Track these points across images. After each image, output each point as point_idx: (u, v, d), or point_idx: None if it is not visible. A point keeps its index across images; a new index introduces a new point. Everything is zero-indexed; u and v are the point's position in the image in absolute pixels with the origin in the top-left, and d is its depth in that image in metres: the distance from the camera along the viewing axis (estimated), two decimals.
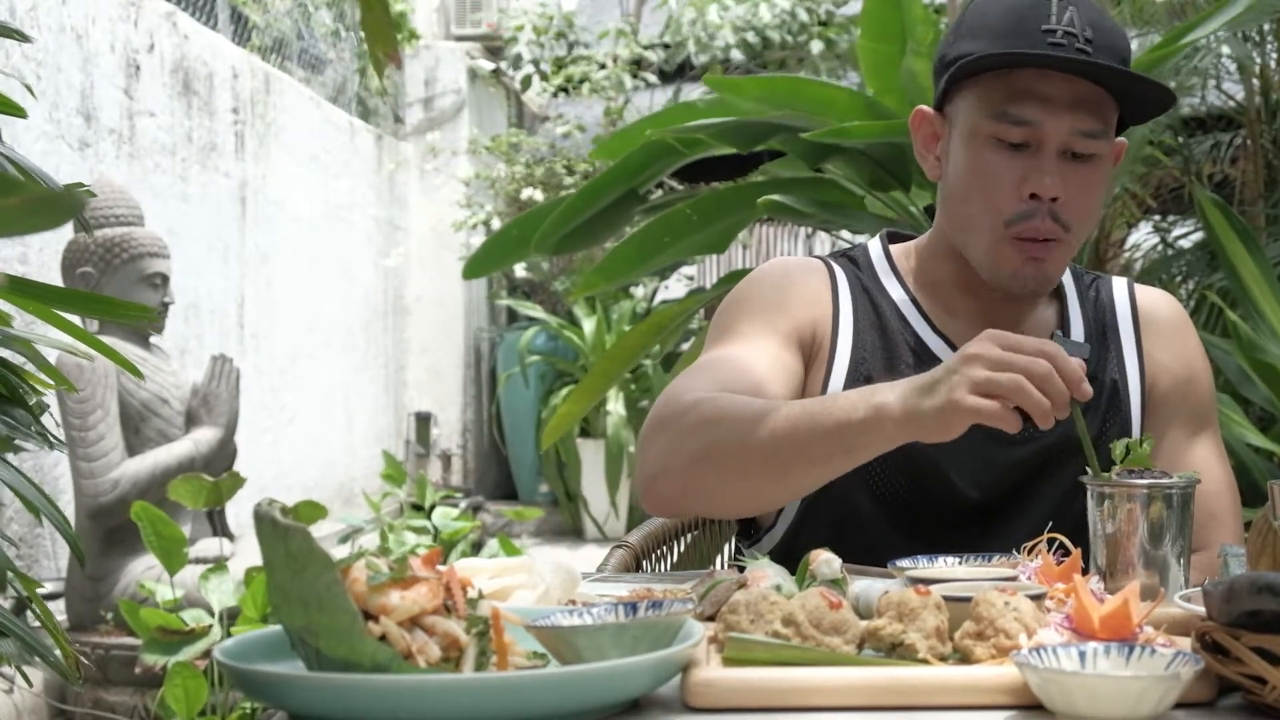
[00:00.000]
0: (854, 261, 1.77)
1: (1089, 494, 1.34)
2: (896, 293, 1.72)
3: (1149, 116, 1.69)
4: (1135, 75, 1.58)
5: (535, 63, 8.57)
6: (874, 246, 1.79)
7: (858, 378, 1.64)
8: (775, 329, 1.66)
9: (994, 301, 1.70)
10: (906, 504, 1.65)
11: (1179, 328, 1.75)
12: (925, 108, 1.71)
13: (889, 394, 1.38)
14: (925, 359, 1.66)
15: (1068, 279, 1.77)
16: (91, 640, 3.67)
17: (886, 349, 1.68)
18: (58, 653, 1.78)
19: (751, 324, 1.67)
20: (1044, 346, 1.31)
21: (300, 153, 6.44)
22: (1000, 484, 1.65)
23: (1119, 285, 1.77)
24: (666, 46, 8.56)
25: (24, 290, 1.53)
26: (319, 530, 4.62)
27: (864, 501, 1.66)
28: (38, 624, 1.78)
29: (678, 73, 8.68)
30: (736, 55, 8.23)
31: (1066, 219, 1.59)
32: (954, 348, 1.66)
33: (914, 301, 1.72)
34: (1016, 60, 1.57)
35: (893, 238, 1.81)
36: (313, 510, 4.03)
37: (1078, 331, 1.71)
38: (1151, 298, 1.77)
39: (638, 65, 8.51)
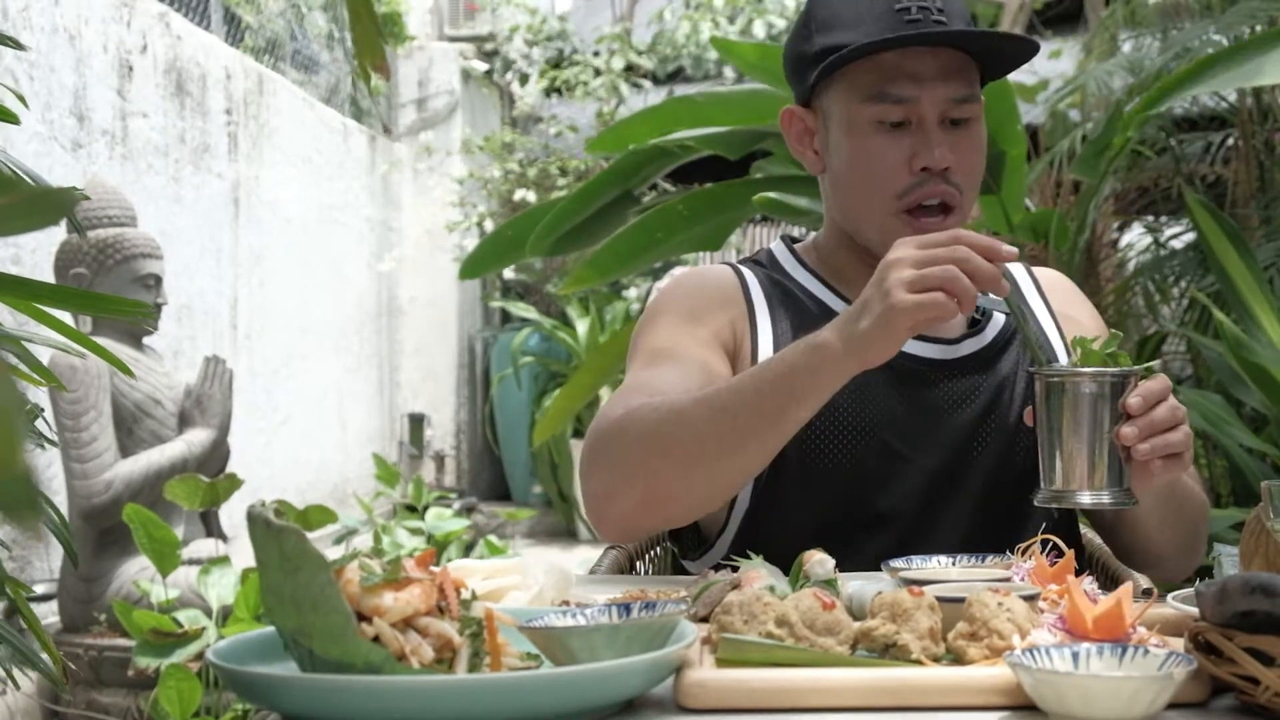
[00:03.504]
0: (759, 263, 1.81)
1: (1034, 386, 1.38)
2: (809, 281, 1.76)
3: (1009, 71, 1.74)
4: (1005, 35, 1.66)
5: (526, 59, 8.57)
6: (776, 247, 1.84)
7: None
8: (696, 339, 1.67)
9: None
10: (846, 511, 1.67)
11: (1075, 292, 1.87)
12: (793, 106, 1.75)
13: (825, 334, 1.42)
14: None
15: None
16: (84, 642, 3.66)
17: (810, 327, 1.67)
18: (46, 657, 1.77)
19: (672, 339, 1.68)
20: (956, 234, 1.37)
21: (294, 154, 6.43)
22: (944, 453, 1.67)
23: (1015, 266, 1.85)
24: (662, 59, 8.57)
25: (17, 287, 1.53)
26: (312, 531, 4.62)
27: (807, 507, 1.66)
28: (27, 627, 1.77)
29: (670, 76, 8.69)
30: (730, 73, 8.26)
31: (959, 182, 1.64)
32: None
33: (827, 285, 1.76)
34: (896, 44, 1.60)
35: (790, 240, 1.86)
36: (322, 515, 4.04)
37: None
38: (1047, 272, 1.88)
39: (630, 70, 8.52)
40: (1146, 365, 1.39)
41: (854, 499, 1.66)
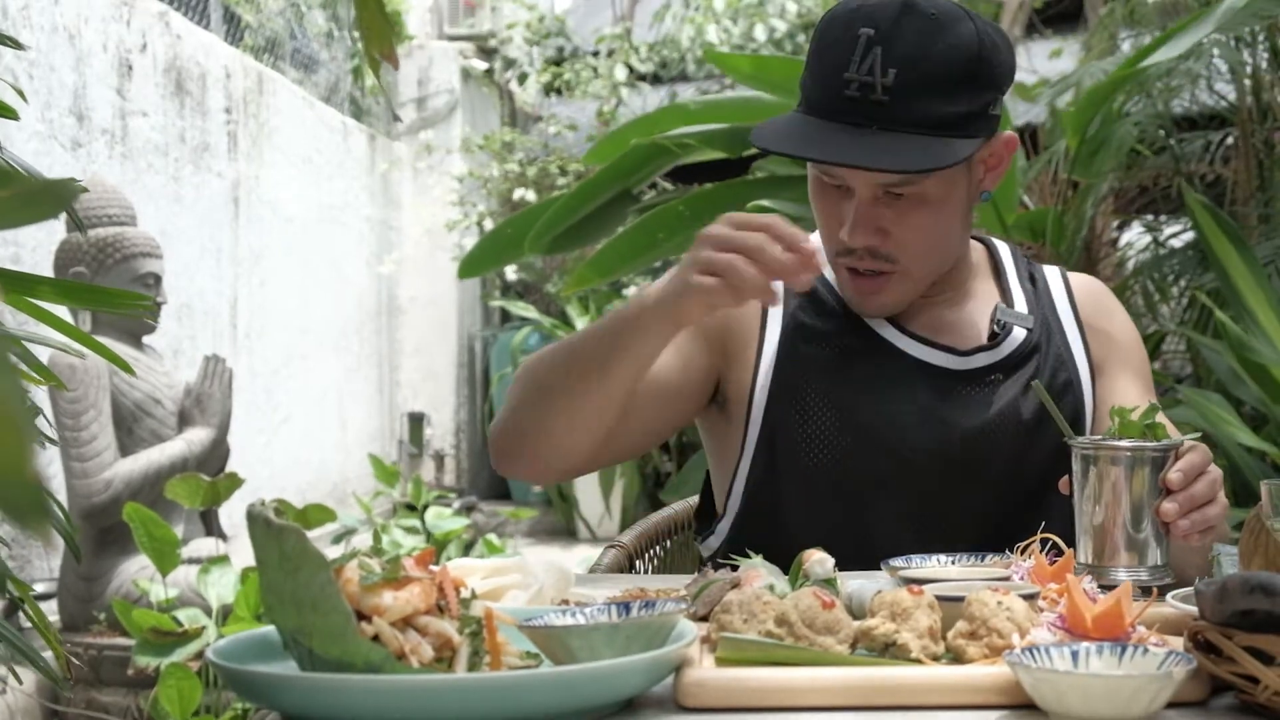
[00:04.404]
0: None
1: (1072, 457, 1.36)
2: (829, 271, 1.74)
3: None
4: (889, 170, 1.55)
5: (527, 58, 8.58)
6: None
7: (785, 355, 1.67)
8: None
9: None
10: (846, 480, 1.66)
11: (1109, 301, 1.82)
12: None
13: (653, 289, 1.47)
14: (867, 336, 1.68)
15: (1007, 260, 1.80)
16: (84, 640, 3.66)
17: (825, 325, 1.69)
18: (48, 655, 1.77)
19: None
20: (766, 221, 1.36)
21: (293, 153, 6.43)
22: (948, 462, 1.66)
23: (1052, 271, 1.82)
24: (663, 63, 8.57)
25: (17, 282, 1.52)
26: (311, 530, 4.63)
27: (804, 506, 1.66)
28: (29, 625, 1.77)
29: (671, 77, 8.70)
30: None
31: (890, 253, 1.61)
32: (895, 324, 1.69)
33: None
34: (786, 152, 1.63)
35: None
36: (321, 514, 4.04)
37: (1020, 305, 1.74)
38: (1081, 279, 1.84)
39: (630, 72, 8.52)
40: (1186, 437, 1.38)
41: (853, 498, 1.65)
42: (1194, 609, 1.10)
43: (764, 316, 1.71)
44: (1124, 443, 1.34)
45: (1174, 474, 1.33)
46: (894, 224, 1.60)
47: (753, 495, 1.69)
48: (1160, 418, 1.38)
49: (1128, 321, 1.81)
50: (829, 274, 1.74)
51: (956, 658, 1.09)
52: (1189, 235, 4.29)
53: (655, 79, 8.69)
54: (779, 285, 1.69)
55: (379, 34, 1.33)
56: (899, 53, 1.53)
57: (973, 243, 1.79)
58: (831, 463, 1.65)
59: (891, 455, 1.64)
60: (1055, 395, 1.63)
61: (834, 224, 1.62)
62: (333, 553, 1.17)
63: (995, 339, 1.69)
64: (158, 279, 3.95)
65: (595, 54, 8.68)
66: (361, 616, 0.98)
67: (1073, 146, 3.64)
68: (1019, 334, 1.70)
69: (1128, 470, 1.33)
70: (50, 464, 3.96)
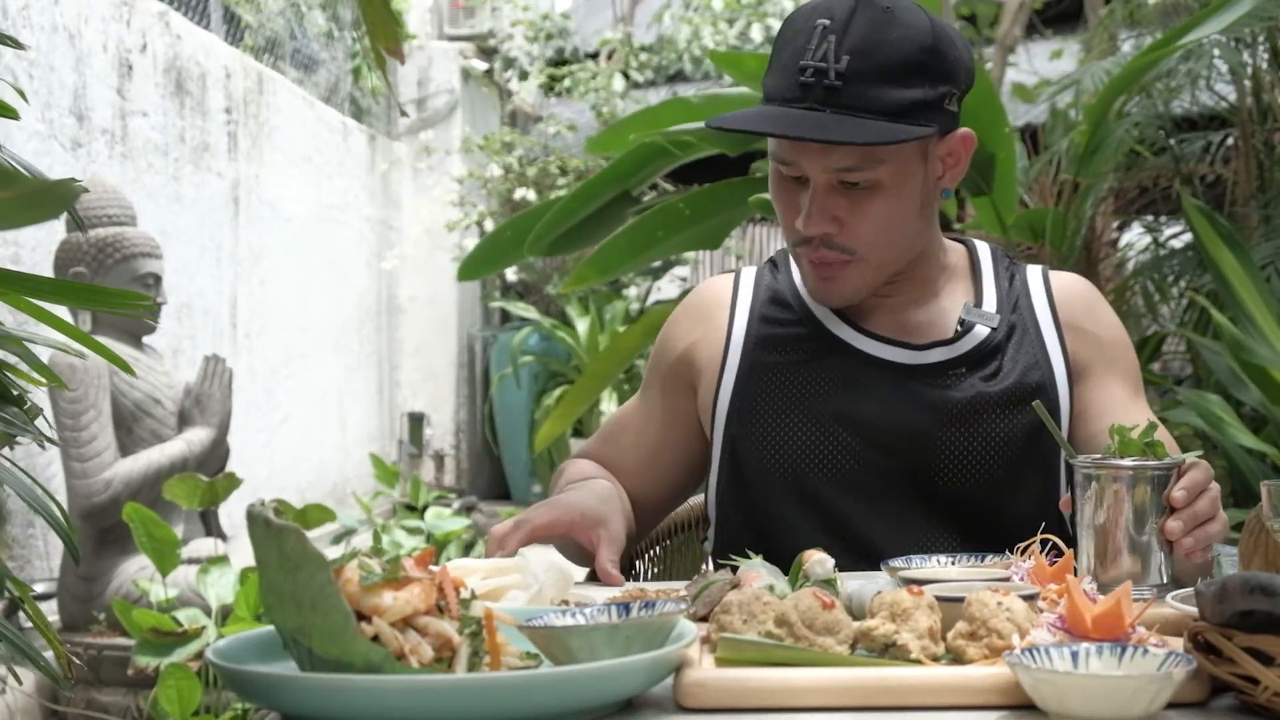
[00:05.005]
0: (775, 265, 1.83)
1: (1074, 475, 1.36)
2: (799, 281, 1.76)
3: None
4: (833, 141, 1.56)
5: (528, 56, 8.58)
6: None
7: (746, 367, 1.73)
8: (658, 376, 1.83)
9: (896, 281, 1.73)
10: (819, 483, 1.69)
11: (1093, 301, 1.79)
12: None
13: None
14: (826, 339, 1.72)
15: (985, 259, 1.81)
16: (84, 640, 3.66)
17: (785, 332, 1.73)
18: (49, 654, 1.77)
19: (648, 377, 1.86)
20: (509, 524, 1.56)
21: (293, 153, 6.43)
22: (895, 455, 1.67)
23: (1033, 271, 1.81)
24: (659, 68, 8.57)
25: (17, 283, 1.52)
26: (310, 530, 4.63)
27: (776, 487, 1.69)
28: (29, 625, 1.77)
29: (669, 78, 8.69)
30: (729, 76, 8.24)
31: (846, 244, 1.64)
32: (854, 325, 1.72)
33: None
34: (754, 134, 1.67)
35: None
36: (321, 514, 4.04)
37: (990, 305, 1.74)
38: (1064, 278, 1.81)
39: (626, 77, 8.52)
40: (1188, 455, 1.38)
41: (817, 498, 1.67)
42: (1194, 609, 1.10)
43: (729, 331, 1.76)
44: (1126, 462, 1.34)
45: (1178, 492, 1.34)
46: (848, 213, 1.62)
47: (722, 501, 1.74)
48: (1160, 433, 1.38)
49: (1115, 321, 1.79)
50: (795, 275, 1.77)
51: (956, 658, 1.09)
52: (1189, 236, 4.28)
53: (651, 83, 8.69)
54: (744, 311, 1.77)
55: (384, 29, 1.33)
56: (853, 40, 1.57)
57: (952, 244, 1.80)
58: (794, 465, 1.67)
59: (851, 453, 1.67)
60: (1027, 395, 1.64)
61: (791, 214, 1.65)
62: (333, 553, 1.17)
63: (957, 336, 1.70)
64: (158, 279, 3.95)
65: (594, 56, 8.67)
66: (361, 616, 0.98)
67: (1081, 143, 3.63)
68: (982, 331, 1.71)
69: (1130, 489, 1.33)
70: (50, 464, 3.96)
